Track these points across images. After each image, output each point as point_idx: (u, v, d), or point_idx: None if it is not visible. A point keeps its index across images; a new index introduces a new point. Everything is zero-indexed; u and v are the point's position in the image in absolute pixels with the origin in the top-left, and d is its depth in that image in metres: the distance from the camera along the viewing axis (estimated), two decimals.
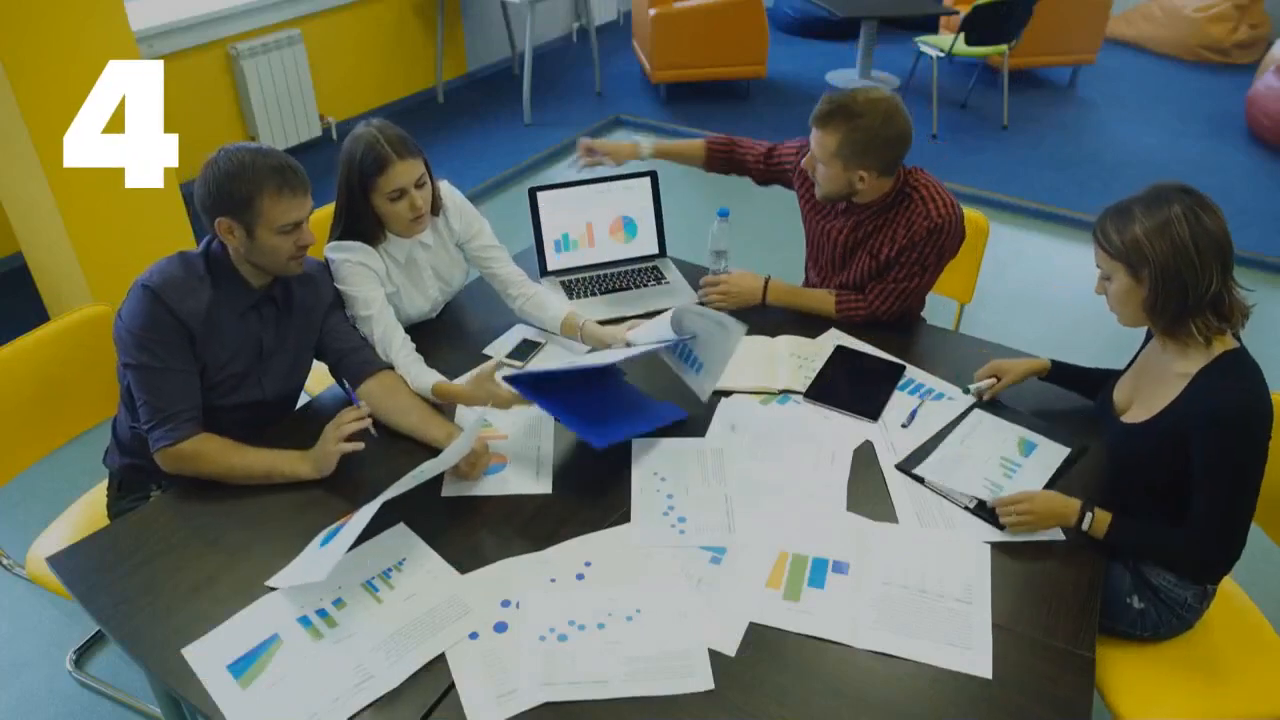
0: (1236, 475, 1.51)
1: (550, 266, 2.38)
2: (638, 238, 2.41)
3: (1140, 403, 1.65)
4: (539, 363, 2.06)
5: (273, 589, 1.47)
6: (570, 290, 2.32)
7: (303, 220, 1.67)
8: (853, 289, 2.20)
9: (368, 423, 1.67)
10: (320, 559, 1.46)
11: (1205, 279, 1.48)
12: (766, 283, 2.22)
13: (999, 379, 1.91)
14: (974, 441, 1.80)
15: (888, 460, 1.78)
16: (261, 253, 1.67)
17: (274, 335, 1.78)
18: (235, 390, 1.74)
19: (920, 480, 1.73)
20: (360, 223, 1.94)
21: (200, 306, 1.66)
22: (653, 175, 2.40)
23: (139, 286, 1.64)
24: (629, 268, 2.41)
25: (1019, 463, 1.74)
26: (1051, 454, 1.76)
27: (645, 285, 2.35)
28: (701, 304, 2.13)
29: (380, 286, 1.95)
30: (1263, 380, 1.53)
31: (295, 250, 1.68)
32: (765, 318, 2.20)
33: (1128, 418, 1.66)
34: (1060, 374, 1.92)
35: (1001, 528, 1.61)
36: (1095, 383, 1.89)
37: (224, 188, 1.60)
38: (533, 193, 2.34)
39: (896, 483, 1.73)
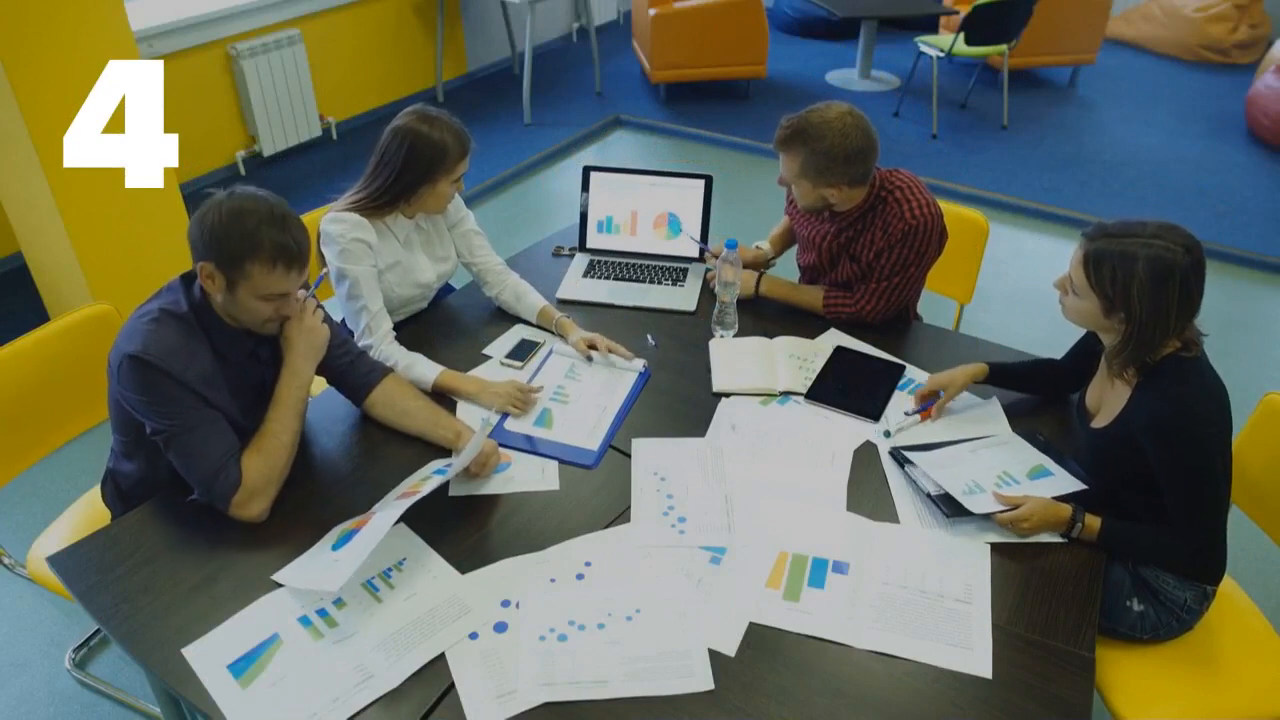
0: (1191, 478, 1.53)
1: (588, 244, 2.48)
2: (680, 237, 2.42)
3: (1103, 407, 1.67)
4: (538, 361, 2.06)
5: (273, 589, 1.47)
6: (592, 269, 2.39)
7: (289, 292, 1.58)
8: (841, 287, 2.22)
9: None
10: (334, 568, 1.44)
11: (1170, 337, 1.53)
12: (760, 277, 2.26)
13: (941, 394, 1.89)
14: (985, 453, 1.77)
15: (889, 457, 1.79)
16: (238, 309, 1.57)
17: (274, 373, 1.71)
18: (243, 436, 1.67)
19: (903, 463, 1.74)
20: (389, 197, 1.98)
21: (205, 370, 1.58)
22: (708, 179, 2.40)
23: (128, 358, 1.51)
24: (660, 264, 2.42)
25: (1019, 481, 1.69)
26: (1061, 484, 1.68)
27: (659, 283, 2.35)
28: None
29: (372, 263, 1.99)
30: (1205, 382, 1.54)
31: (273, 315, 1.59)
32: (765, 319, 2.20)
33: (1095, 423, 1.68)
34: (999, 375, 1.91)
35: (948, 515, 1.62)
36: (1032, 377, 1.92)
37: (218, 236, 1.49)
38: (586, 170, 2.43)
39: (897, 483, 1.73)
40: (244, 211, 1.50)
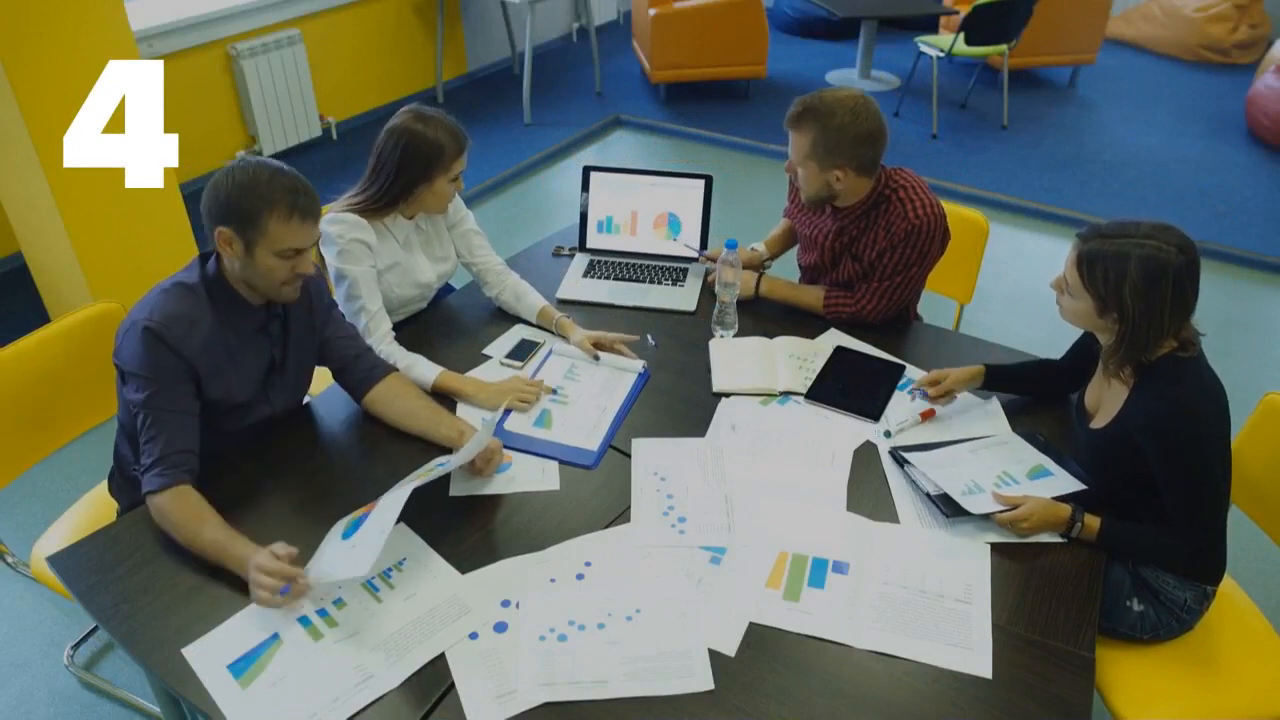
0: (1190, 479, 1.53)
1: (588, 244, 2.48)
2: (681, 237, 2.42)
3: (1102, 407, 1.67)
4: (538, 361, 2.06)
5: None
6: (592, 269, 2.40)
7: (305, 249, 1.61)
8: (842, 287, 2.21)
9: (303, 584, 1.43)
10: (356, 554, 1.43)
11: (1165, 337, 1.53)
12: (760, 277, 2.26)
13: (938, 384, 1.90)
14: (985, 453, 1.77)
15: (889, 457, 1.79)
16: (256, 273, 1.60)
17: (282, 351, 1.75)
18: (247, 414, 1.73)
19: (903, 463, 1.74)
20: (388, 198, 1.98)
21: (206, 342, 1.61)
22: (708, 179, 2.40)
23: (138, 327, 1.55)
24: (660, 264, 2.42)
25: (1018, 481, 1.69)
26: (1061, 484, 1.68)
27: (659, 283, 2.35)
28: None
29: (372, 263, 1.99)
30: (1202, 382, 1.54)
31: (290, 276, 1.62)
32: (765, 319, 2.20)
33: (1094, 423, 1.68)
34: (996, 378, 1.91)
35: (948, 515, 1.62)
36: (1029, 378, 1.93)
37: (233, 198, 1.54)
38: (586, 170, 2.44)
39: (897, 483, 1.73)
40: (257, 172, 1.58)
